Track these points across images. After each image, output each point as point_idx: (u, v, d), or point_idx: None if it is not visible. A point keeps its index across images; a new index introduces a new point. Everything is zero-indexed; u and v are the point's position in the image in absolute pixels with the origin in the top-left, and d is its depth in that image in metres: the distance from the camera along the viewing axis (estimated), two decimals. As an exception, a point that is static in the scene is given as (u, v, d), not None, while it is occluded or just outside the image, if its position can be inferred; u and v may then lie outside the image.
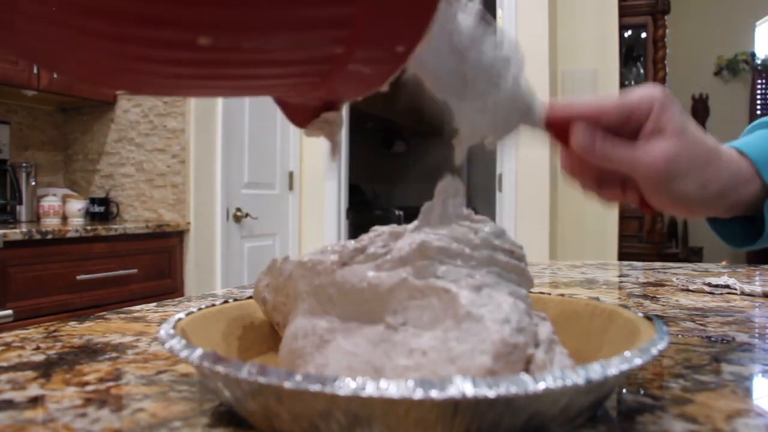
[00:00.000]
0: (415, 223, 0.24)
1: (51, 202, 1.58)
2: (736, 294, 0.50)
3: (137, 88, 0.18)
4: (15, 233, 1.23)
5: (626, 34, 2.49)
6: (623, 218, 2.11)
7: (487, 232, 0.23)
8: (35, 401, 0.23)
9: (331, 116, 0.22)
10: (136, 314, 0.41)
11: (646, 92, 0.28)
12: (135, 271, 1.50)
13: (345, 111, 2.09)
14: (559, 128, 0.28)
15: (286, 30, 0.14)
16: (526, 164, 1.84)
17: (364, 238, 0.24)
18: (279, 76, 0.17)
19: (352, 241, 0.24)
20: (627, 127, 0.27)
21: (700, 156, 0.27)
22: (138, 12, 0.12)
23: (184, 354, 0.19)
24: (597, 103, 0.28)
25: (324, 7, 0.13)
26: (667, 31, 2.38)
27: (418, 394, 0.16)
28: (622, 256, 2.01)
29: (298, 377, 0.16)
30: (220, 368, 0.18)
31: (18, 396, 0.23)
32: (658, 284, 0.57)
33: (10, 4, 0.13)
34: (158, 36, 0.13)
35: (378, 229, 0.24)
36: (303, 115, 0.21)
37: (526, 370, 0.19)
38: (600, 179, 0.30)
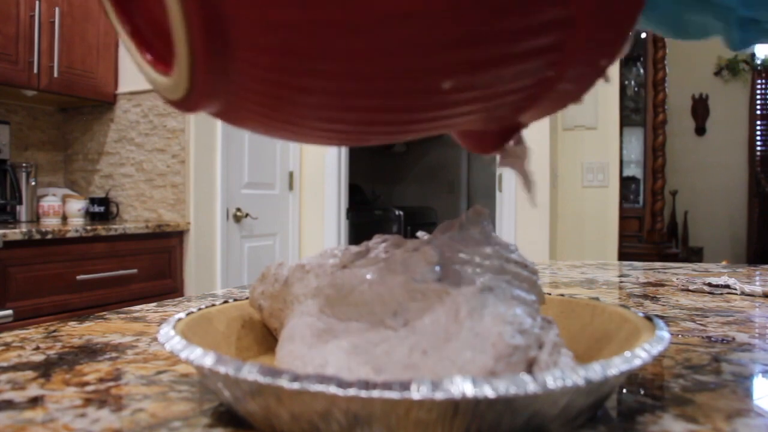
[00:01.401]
0: (426, 235, 0.24)
1: (51, 202, 1.58)
2: (736, 294, 0.50)
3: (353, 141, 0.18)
4: (15, 233, 1.23)
5: (626, 35, 2.49)
6: (623, 218, 2.11)
7: (500, 246, 0.23)
8: (35, 401, 0.23)
9: (519, 150, 0.22)
10: (135, 314, 0.41)
11: None
12: (135, 271, 1.50)
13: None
14: None
15: (509, 63, 0.15)
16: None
17: (366, 244, 0.24)
18: (495, 106, 0.17)
19: (354, 246, 0.24)
20: None
21: None
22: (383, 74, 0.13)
23: (184, 354, 0.19)
24: None
25: (539, 36, 0.14)
26: (667, 31, 2.37)
27: (418, 395, 0.16)
28: (622, 256, 2.01)
29: (298, 377, 0.16)
30: (220, 368, 0.18)
31: (18, 396, 0.23)
32: (658, 284, 0.57)
33: (228, 51, 0.13)
34: (395, 91, 0.14)
35: (381, 237, 0.24)
36: (485, 143, 0.21)
37: (529, 372, 0.19)
38: None
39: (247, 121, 0.17)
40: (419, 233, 0.24)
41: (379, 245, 0.24)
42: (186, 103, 0.15)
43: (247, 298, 0.30)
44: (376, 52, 0.13)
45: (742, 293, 0.49)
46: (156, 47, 0.15)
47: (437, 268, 0.22)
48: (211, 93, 0.15)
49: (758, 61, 3.58)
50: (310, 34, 0.13)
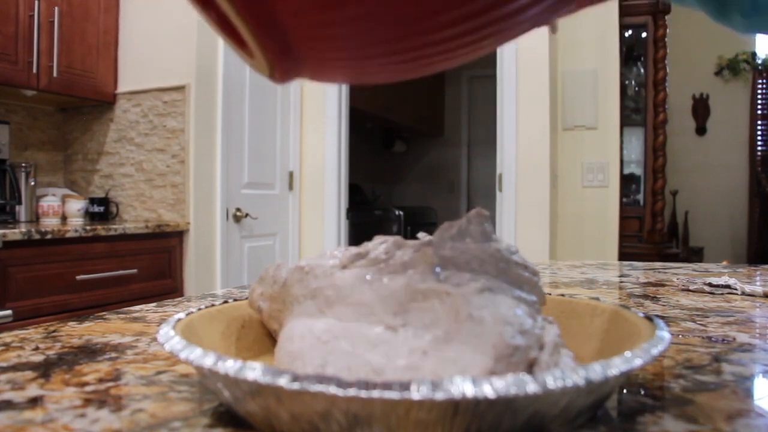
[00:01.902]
0: (427, 236, 0.24)
1: (50, 202, 1.58)
2: (736, 294, 0.50)
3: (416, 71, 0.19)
4: (14, 233, 1.23)
5: (626, 34, 2.49)
6: (623, 218, 2.11)
7: (501, 247, 0.23)
8: (34, 401, 0.23)
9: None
10: (135, 314, 0.41)
11: None
12: (134, 271, 1.50)
13: (345, 110, 2.09)
14: None
15: None
16: (526, 164, 1.84)
17: (366, 245, 0.24)
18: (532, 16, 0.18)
19: (353, 248, 0.24)
20: None
21: None
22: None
23: (183, 354, 0.19)
24: None
25: None
26: (667, 30, 2.38)
27: (418, 395, 0.16)
28: (623, 256, 2.01)
29: (298, 377, 0.16)
30: (219, 368, 0.18)
31: (17, 396, 0.23)
32: (659, 284, 0.57)
33: (291, 45, 0.15)
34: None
35: (381, 238, 0.24)
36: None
37: (530, 372, 0.19)
38: None
39: (333, 78, 0.19)
40: (420, 234, 0.24)
41: (379, 246, 0.24)
42: (276, 79, 0.18)
43: (246, 298, 0.29)
44: None
45: (743, 293, 0.49)
46: (237, 33, 0.17)
47: (438, 269, 0.22)
48: (289, 71, 0.17)
49: (759, 61, 3.58)
50: (353, 28, 0.15)
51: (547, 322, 0.22)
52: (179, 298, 0.48)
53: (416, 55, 0.17)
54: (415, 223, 2.99)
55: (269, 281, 0.26)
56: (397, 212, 2.93)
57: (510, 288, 0.22)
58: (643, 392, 0.24)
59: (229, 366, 0.18)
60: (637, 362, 0.18)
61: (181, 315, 0.25)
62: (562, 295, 0.30)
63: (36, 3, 1.46)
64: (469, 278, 0.21)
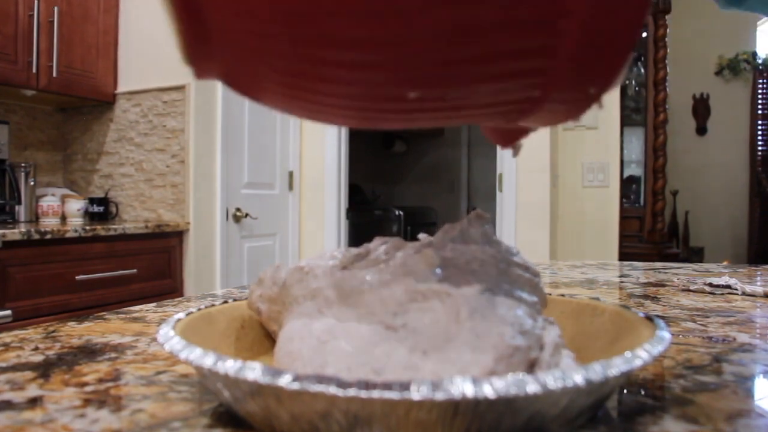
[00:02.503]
0: (427, 237, 0.24)
1: (50, 202, 1.58)
2: (737, 294, 0.50)
3: (355, 122, 0.19)
4: (14, 233, 1.23)
5: (626, 34, 2.48)
6: (624, 218, 2.11)
7: (502, 248, 0.23)
8: (34, 402, 0.23)
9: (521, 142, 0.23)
10: (135, 314, 0.41)
11: None
12: (134, 271, 1.50)
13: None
14: None
15: (487, 82, 0.15)
16: (526, 164, 1.84)
17: (367, 246, 0.24)
18: (479, 115, 0.18)
19: (354, 248, 0.24)
20: None
21: None
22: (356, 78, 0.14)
23: (183, 354, 0.19)
24: None
25: (522, 59, 0.14)
26: (667, 30, 2.38)
27: (418, 395, 0.16)
28: (623, 256, 2.01)
29: (298, 378, 0.16)
30: (219, 368, 0.18)
31: (17, 397, 0.23)
32: (659, 284, 0.57)
33: (204, 19, 0.15)
34: (372, 91, 0.15)
35: (382, 239, 0.24)
36: (505, 138, 0.22)
37: (530, 373, 0.19)
38: None
39: (247, 91, 0.18)
40: (420, 235, 0.24)
41: (379, 247, 0.24)
42: (193, 72, 0.17)
43: (246, 299, 0.29)
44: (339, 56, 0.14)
45: (743, 293, 0.49)
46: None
47: (438, 270, 0.21)
48: (202, 60, 0.16)
49: (759, 61, 3.58)
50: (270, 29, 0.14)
51: (548, 323, 0.21)
52: (179, 298, 0.48)
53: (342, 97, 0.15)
54: (415, 223, 2.99)
55: (268, 283, 0.26)
56: (397, 212, 2.93)
57: (511, 289, 0.22)
58: (643, 392, 0.24)
59: (229, 366, 0.18)
60: (638, 362, 0.18)
61: (181, 315, 0.25)
62: (563, 295, 0.30)
63: (35, 3, 1.46)
64: (469, 279, 0.21)
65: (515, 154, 0.23)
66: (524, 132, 0.21)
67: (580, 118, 0.18)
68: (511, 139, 0.22)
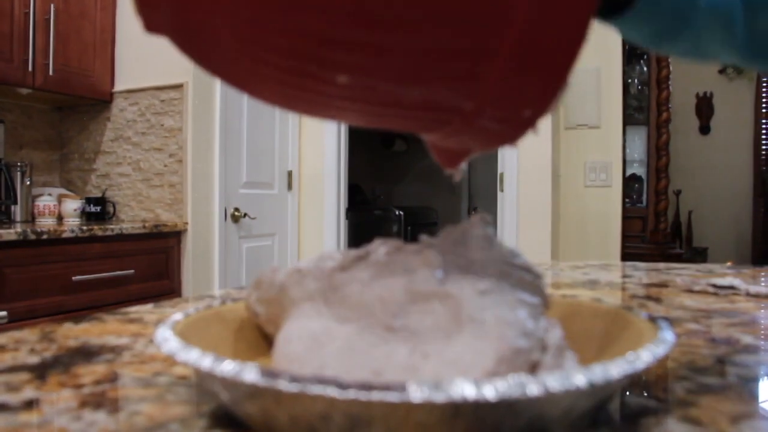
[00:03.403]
0: (428, 239, 0.24)
1: (46, 201, 1.57)
2: (741, 295, 0.49)
3: (282, 103, 0.19)
4: (10, 233, 1.22)
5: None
6: (626, 218, 2.11)
7: (504, 251, 0.23)
8: (30, 404, 0.22)
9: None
10: (132, 315, 0.40)
11: None
12: (132, 271, 1.49)
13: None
14: None
15: (420, 81, 0.15)
16: (527, 163, 1.84)
17: (367, 248, 0.24)
18: (413, 118, 0.18)
19: (353, 250, 0.24)
20: None
21: None
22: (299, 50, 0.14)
23: (181, 356, 0.19)
24: None
25: (457, 61, 0.14)
26: (668, 29, 2.37)
27: (419, 397, 0.15)
28: (626, 256, 2.01)
29: (297, 379, 0.16)
30: (218, 370, 0.18)
31: (13, 399, 0.23)
32: (662, 285, 0.57)
33: (183, 8, 0.14)
34: (308, 69, 0.15)
35: (382, 240, 0.24)
36: (448, 158, 0.22)
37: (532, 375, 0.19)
38: None
39: (196, 53, 0.17)
40: (421, 237, 0.23)
41: (379, 249, 0.23)
42: (142, 23, 0.16)
43: (245, 300, 0.29)
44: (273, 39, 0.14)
45: (747, 294, 0.49)
46: None
47: (439, 272, 0.21)
48: (152, 21, 0.16)
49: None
50: None
51: (550, 325, 0.21)
52: (177, 299, 0.48)
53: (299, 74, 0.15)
54: (415, 223, 2.99)
55: (265, 285, 0.26)
56: (397, 212, 2.92)
57: (512, 290, 0.22)
58: (646, 394, 0.23)
59: (227, 368, 0.17)
60: (640, 364, 0.18)
61: (179, 316, 0.25)
62: (565, 296, 0.29)
63: (32, 0, 1.46)
64: (470, 281, 0.21)
65: (456, 177, 0.23)
66: (465, 153, 0.21)
67: (516, 144, 0.18)
68: (454, 160, 0.22)
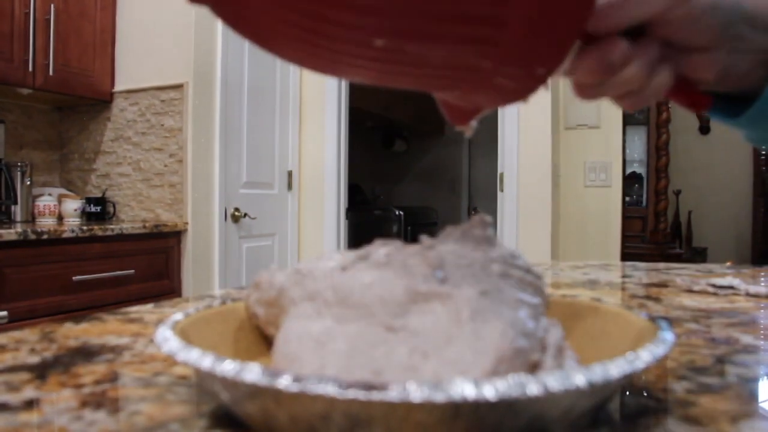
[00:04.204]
0: (429, 239, 0.24)
1: (46, 201, 1.57)
2: (740, 295, 0.49)
3: (322, 67, 0.20)
4: (10, 233, 1.22)
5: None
6: (626, 218, 2.11)
7: (504, 251, 0.23)
8: (30, 404, 0.22)
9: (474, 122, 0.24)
10: (132, 315, 0.40)
11: None
12: (132, 271, 1.49)
13: (344, 109, 2.08)
14: None
15: (443, 43, 0.17)
16: (527, 163, 1.84)
17: (367, 248, 0.24)
18: (437, 77, 0.19)
19: (354, 251, 0.24)
20: None
21: None
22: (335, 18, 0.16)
23: (181, 356, 0.19)
24: None
25: (476, 26, 0.16)
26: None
27: (419, 397, 0.15)
28: (625, 256, 2.00)
29: (298, 379, 0.16)
30: (218, 370, 0.18)
31: (13, 398, 0.23)
32: (662, 285, 0.57)
33: None
34: (347, 34, 0.16)
35: (382, 241, 0.24)
36: (460, 116, 0.23)
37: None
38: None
39: (232, 18, 0.18)
40: (422, 237, 0.24)
41: (380, 249, 0.23)
42: None
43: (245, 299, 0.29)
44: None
45: (747, 294, 0.49)
46: None
47: (439, 272, 0.21)
48: None
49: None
50: None
51: (551, 325, 0.21)
52: (177, 299, 0.48)
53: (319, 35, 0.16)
54: (415, 223, 2.99)
55: (265, 286, 0.26)
56: (397, 212, 2.92)
57: (512, 291, 0.22)
58: (646, 394, 0.23)
59: (228, 368, 0.17)
60: (640, 364, 0.18)
61: (179, 316, 0.25)
62: (564, 296, 0.29)
63: (32, 0, 1.46)
64: (470, 281, 0.21)
65: (468, 133, 0.24)
66: (477, 111, 0.22)
67: (527, 99, 0.19)
68: (465, 117, 0.23)
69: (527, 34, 0.16)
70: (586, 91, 0.22)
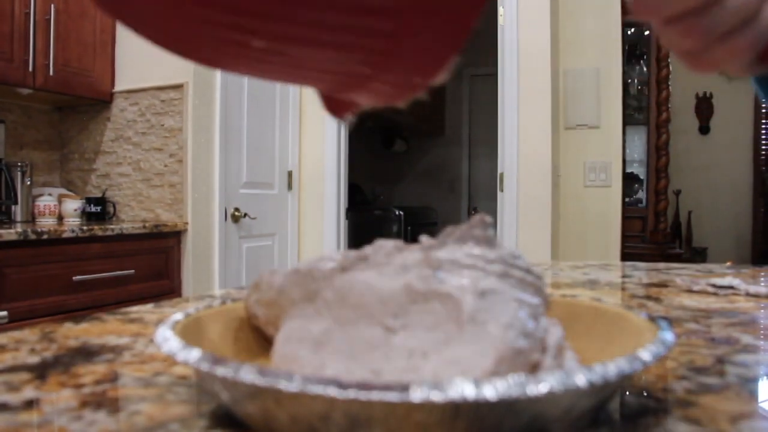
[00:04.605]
0: (429, 239, 0.24)
1: (47, 201, 1.57)
2: (740, 295, 0.49)
3: (201, 59, 0.21)
4: (10, 233, 1.22)
5: (629, 32, 2.49)
6: (626, 218, 2.11)
7: (504, 252, 0.23)
8: (30, 404, 0.22)
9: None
10: (132, 315, 0.40)
11: None
12: (132, 271, 1.49)
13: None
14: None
15: (322, 48, 0.17)
16: (527, 163, 1.84)
17: (367, 249, 0.24)
18: (315, 78, 0.20)
19: (353, 251, 0.24)
20: None
21: None
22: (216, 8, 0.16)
23: (181, 356, 0.19)
24: None
25: (357, 36, 0.16)
26: (668, 29, 2.37)
27: (418, 397, 0.15)
28: (625, 256, 2.00)
29: (298, 379, 0.16)
30: (218, 370, 0.18)
31: (13, 398, 0.23)
32: (662, 285, 0.57)
33: None
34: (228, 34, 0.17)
35: (382, 242, 0.24)
36: (337, 108, 0.24)
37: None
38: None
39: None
40: (422, 237, 0.24)
41: (379, 250, 0.23)
42: None
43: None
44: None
45: (747, 294, 0.49)
46: None
47: (439, 273, 0.21)
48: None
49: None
50: None
51: (551, 325, 0.21)
52: (177, 299, 0.48)
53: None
54: (415, 223, 2.99)
55: (264, 287, 0.26)
56: (397, 212, 2.92)
57: (513, 291, 0.22)
58: (646, 394, 0.23)
59: (228, 368, 0.17)
60: (640, 364, 0.18)
61: (179, 316, 0.25)
62: (565, 296, 0.29)
63: (32, 0, 1.46)
64: (471, 281, 0.21)
65: (344, 122, 0.26)
66: (354, 106, 0.23)
67: (405, 103, 0.20)
68: (343, 110, 0.23)
69: (408, 46, 0.16)
70: (700, 60, 0.22)
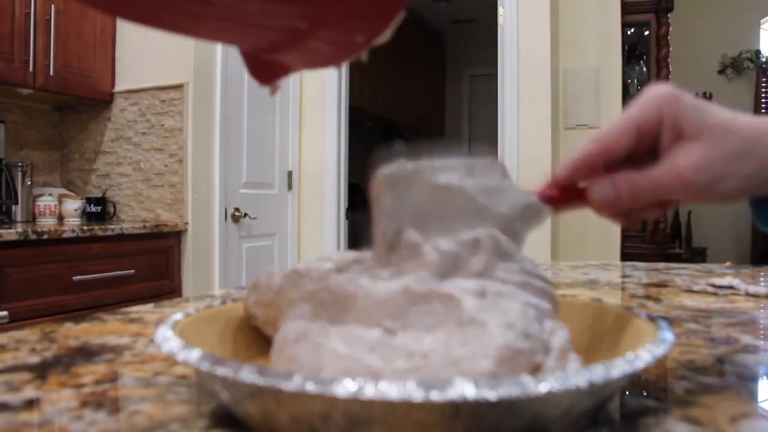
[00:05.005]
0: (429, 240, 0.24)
1: (47, 201, 1.57)
2: (740, 295, 0.49)
3: (134, 15, 0.19)
4: (10, 233, 1.22)
5: (629, 32, 2.48)
6: (626, 218, 2.09)
7: (517, 257, 0.23)
8: (31, 404, 0.23)
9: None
10: (133, 315, 0.40)
11: (647, 99, 0.25)
12: (132, 271, 1.49)
13: (344, 109, 2.08)
14: (571, 192, 0.27)
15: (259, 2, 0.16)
16: (527, 163, 1.84)
17: (365, 252, 0.24)
18: (248, 34, 0.18)
19: (351, 252, 0.24)
20: (643, 145, 0.25)
21: (735, 147, 0.23)
22: None
23: (181, 356, 0.19)
24: (599, 141, 0.26)
25: None
26: (670, 28, 2.38)
27: (418, 396, 0.15)
28: (625, 256, 2.00)
29: (298, 379, 0.16)
30: (218, 370, 0.18)
31: (13, 398, 0.23)
32: (662, 285, 0.57)
33: None
34: None
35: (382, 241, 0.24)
36: (266, 75, 0.22)
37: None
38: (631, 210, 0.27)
39: None
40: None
41: (379, 249, 0.23)
42: None
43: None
44: None
45: (746, 294, 0.49)
46: None
47: (439, 273, 0.21)
48: None
49: (763, 59, 3.57)
50: None
51: (557, 328, 0.21)
52: (177, 299, 0.48)
53: None
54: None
55: (263, 288, 0.26)
56: (396, 212, 2.91)
57: (516, 291, 0.22)
58: (645, 394, 0.24)
59: (228, 368, 0.17)
60: (639, 364, 0.18)
61: (179, 316, 0.25)
62: (564, 296, 0.29)
63: (32, 1, 1.46)
64: (472, 282, 0.21)
65: (272, 93, 0.23)
66: (284, 71, 0.21)
67: (341, 65, 0.19)
68: (271, 76, 0.22)
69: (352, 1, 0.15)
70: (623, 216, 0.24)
